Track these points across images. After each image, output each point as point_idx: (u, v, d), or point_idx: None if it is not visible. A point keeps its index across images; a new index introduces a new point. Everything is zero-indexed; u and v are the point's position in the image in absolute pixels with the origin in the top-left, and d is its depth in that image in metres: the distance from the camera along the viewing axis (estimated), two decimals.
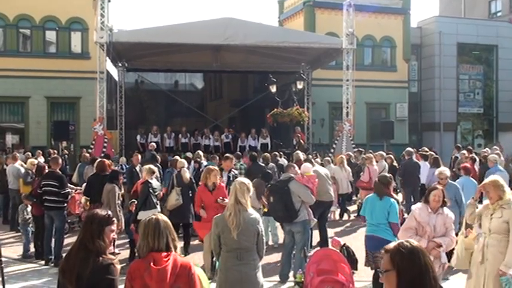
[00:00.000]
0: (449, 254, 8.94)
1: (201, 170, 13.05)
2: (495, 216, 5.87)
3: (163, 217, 3.88)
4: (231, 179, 10.22)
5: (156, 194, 9.39)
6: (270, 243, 10.67)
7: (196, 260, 8.56)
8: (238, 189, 5.23)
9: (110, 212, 3.93)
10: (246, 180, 5.42)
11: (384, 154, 15.95)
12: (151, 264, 3.63)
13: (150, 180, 9.33)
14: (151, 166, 9.92)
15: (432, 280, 2.79)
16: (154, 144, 18.25)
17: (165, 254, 3.70)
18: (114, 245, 9.22)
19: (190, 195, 10.15)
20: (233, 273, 5.16)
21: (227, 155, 11.99)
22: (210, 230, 5.84)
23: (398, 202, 7.37)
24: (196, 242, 11.34)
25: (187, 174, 10.38)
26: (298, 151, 14.37)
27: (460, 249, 6.32)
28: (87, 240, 3.70)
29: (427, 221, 6.16)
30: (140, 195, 9.24)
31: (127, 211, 10.53)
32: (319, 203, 10.40)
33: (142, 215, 9.01)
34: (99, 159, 11.16)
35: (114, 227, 3.87)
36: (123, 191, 11.34)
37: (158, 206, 9.19)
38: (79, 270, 3.58)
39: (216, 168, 9.24)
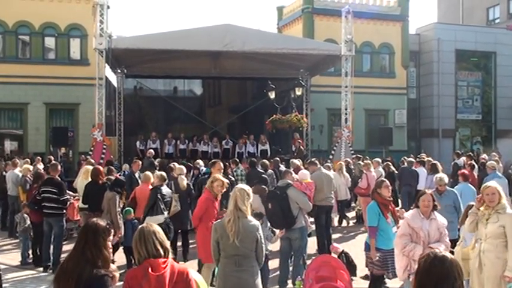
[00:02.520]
0: None
1: (200, 176, 13.06)
2: (491, 221, 5.86)
3: (151, 225, 3.87)
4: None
5: (166, 200, 9.35)
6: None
7: (195, 267, 8.54)
8: (238, 196, 5.22)
9: (108, 222, 3.91)
10: (246, 187, 5.41)
11: (380, 161, 15.97)
12: (149, 271, 3.61)
13: (160, 187, 9.34)
14: (162, 172, 9.93)
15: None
16: (152, 151, 18.21)
17: (163, 260, 3.67)
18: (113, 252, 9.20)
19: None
20: (232, 279, 5.15)
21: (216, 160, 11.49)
22: None
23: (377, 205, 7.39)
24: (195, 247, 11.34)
25: (184, 182, 10.37)
26: (292, 159, 14.43)
27: (457, 259, 6.31)
28: (84, 249, 3.66)
29: (420, 226, 6.15)
30: (148, 201, 9.23)
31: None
32: (319, 208, 10.44)
33: (149, 221, 9.03)
34: (93, 167, 11.09)
35: (111, 237, 3.86)
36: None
37: (166, 213, 9.16)
38: (77, 277, 3.56)
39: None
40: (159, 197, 9.12)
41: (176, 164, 12.59)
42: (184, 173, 11.12)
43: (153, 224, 3.94)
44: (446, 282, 2.83)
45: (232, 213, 5.16)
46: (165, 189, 9.53)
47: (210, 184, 7.64)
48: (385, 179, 8.03)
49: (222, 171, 9.84)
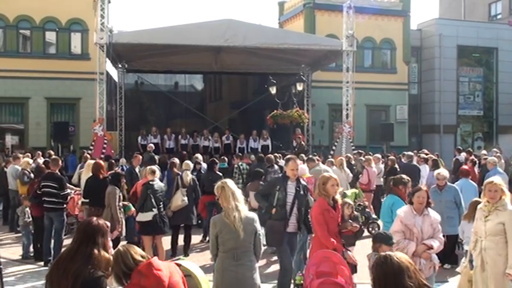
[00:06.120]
0: (448, 255, 8.97)
1: (201, 172, 13.02)
2: (490, 219, 5.83)
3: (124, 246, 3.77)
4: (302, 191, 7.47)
5: (158, 195, 9.15)
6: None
7: (195, 261, 8.54)
8: (234, 190, 5.27)
9: (107, 223, 3.86)
10: (229, 182, 5.38)
11: (380, 157, 15.93)
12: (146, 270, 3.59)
13: (151, 182, 9.16)
14: (153, 167, 9.74)
15: (407, 278, 2.95)
16: (152, 145, 18.17)
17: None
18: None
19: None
20: (230, 273, 5.12)
21: (291, 156, 9.08)
22: None
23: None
24: (197, 242, 11.35)
25: (188, 177, 10.36)
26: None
27: (463, 280, 6.31)
28: (81, 247, 3.62)
29: (413, 223, 6.07)
30: (140, 197, 9.16)
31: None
32: None
33: (141, 217, 9.00)
34: (94, 161, 11.06)
35: (110, 236, 3.82)
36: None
37: (156, 209, 8.96)
38: (74, 277, 3.50)
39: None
40: (149, 193, 8.99)
41: (176, 159, 12.58)
42: (191, 169, 11.11)
43: (127, 245, 3.82)
44: (402, 275, 2.94)
45: (233, 207, 5.19)
46: (157, 184, 9.31)
47: (322, 187, 6.42)
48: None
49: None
